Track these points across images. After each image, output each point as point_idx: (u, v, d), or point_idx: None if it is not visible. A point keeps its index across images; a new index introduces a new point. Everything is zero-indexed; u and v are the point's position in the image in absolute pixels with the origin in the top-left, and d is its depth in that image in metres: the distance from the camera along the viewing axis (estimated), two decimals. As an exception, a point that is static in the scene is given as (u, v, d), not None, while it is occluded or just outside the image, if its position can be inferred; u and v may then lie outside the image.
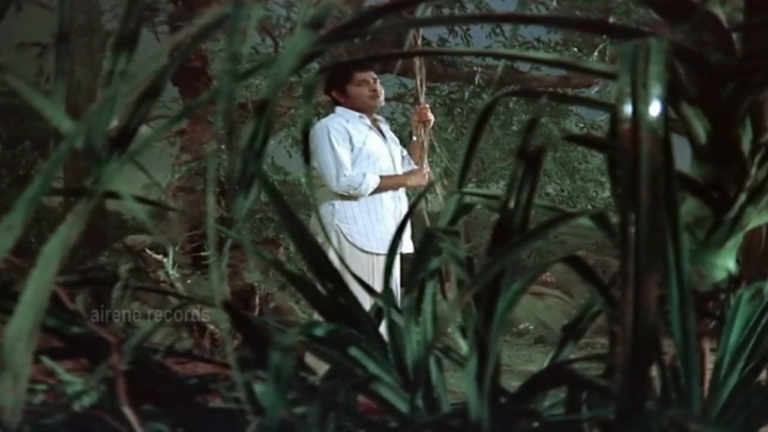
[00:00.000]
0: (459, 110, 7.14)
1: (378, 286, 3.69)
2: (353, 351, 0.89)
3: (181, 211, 5.53)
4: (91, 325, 0.70)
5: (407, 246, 4.30)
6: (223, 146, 6.01)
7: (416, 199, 1.18)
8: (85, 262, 7.37)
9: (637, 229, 0.59)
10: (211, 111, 6.01)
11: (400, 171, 4.30)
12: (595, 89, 6.58)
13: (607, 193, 7.59)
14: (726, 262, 0.80)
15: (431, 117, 4.39)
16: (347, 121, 4.16)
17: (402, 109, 7.44)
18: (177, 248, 5.40)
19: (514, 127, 7.29)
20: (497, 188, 8.20)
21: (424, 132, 4.35)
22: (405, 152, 4.45)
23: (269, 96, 0.74)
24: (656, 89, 0.61)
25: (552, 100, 0.92)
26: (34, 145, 10.26)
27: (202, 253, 5.43)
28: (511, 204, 0.74)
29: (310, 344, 0.84)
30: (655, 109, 0.61)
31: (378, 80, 4.31)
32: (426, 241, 0.83)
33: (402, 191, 4.36)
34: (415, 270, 0.87)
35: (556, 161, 7.16)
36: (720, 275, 0.79)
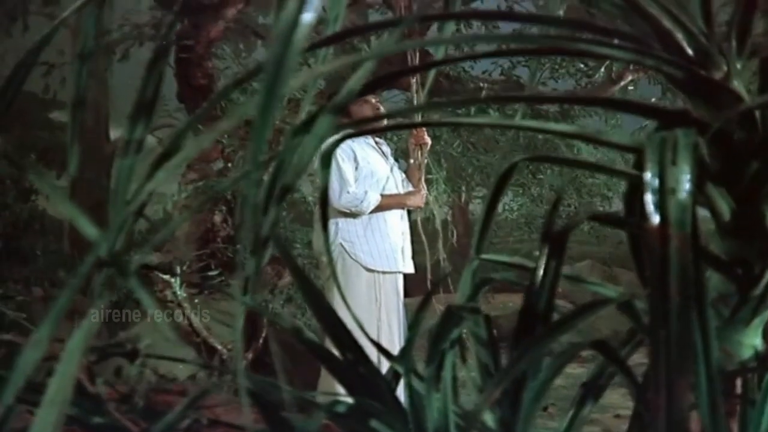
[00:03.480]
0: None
1: (382, 305, 3.69)
2: (374, 423, 0.88)
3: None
4: (114, 414, 0.69)
5: (408, 266, 4.32)
6: (229, 165, 6.04)
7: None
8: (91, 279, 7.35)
9: (668, 331, 0.59)
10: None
11: (401, 191, 4.33)
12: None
13: (613, 209, 7.59)
14: (753, 340, 0.79)
15: (428, 140, 4.42)
16: (352, 140, 4.19)
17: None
18: (184, 267, 5.40)
19: (521, 141, 7.28)
20: (504, 204, 8.19)
21: (421, 155, 4.38)
22: (403, 175, 4.48)
23: (289, 182, 0.73)
24: (683, 188, 0.61)
25: (571, 166, 0.91)
26: (39, 155, 10.28)
27: (210, 273, 5.44)
28: (537, 284, 0.73)
29: (332, 419, 0.84)
30: (682, 206, 0.61)
31: (380, 100, 4.34)
32: (447, 319, 0.83)
33: (405, 211, 4.38)
34: (436, 342, 0.87)
35: (563, 176, 7.15)
36: (747, 353, 0.79)
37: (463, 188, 9.32)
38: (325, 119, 0.72)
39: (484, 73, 7.10)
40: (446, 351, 0.91)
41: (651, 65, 0.76)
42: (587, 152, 7.25)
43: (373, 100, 4.30)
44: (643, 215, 0.65)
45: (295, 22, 0.57)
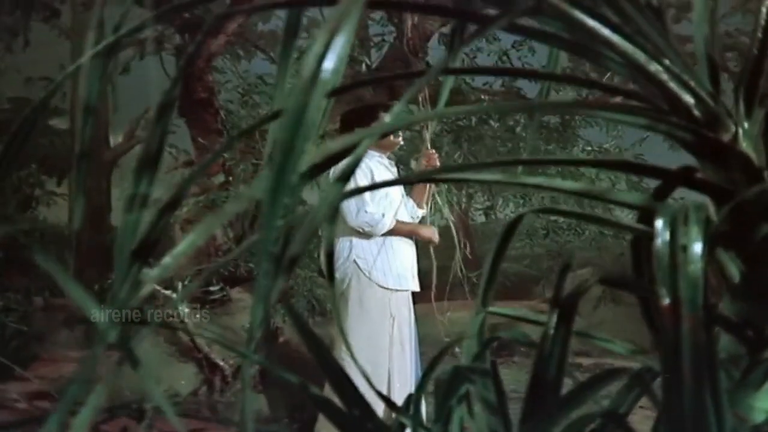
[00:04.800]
0: (467, 137, 7.15)
1: (395, 323, 3.70)
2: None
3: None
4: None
5: (416, 285, 4.35)
6: (230, 178, 6.04)
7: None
8: (93, 285, 7.37)
9: (681, 410, 0.58)
10: (218, 143, 6.02)
11: (408, 211, 4.38)
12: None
13: (614, 218, 7.57)
14: (765, 404, 0.79)
15: (438, 163, 4.45)
16: (368, 159, 4.24)
17: (410, 136, 7.45)
18: (185, 282, 5.40)
19: (523, 154, 7.28)
20: (506, 215, 8.18)
21: None
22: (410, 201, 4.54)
23: (297, 251, 0.73)
24: (695, 266, 0.61)
25: (579, 219, 0.91)
26: (39, 163, 10.27)
27: (211, 288, 5.43)
28: (546, 351, 0.73)
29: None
30: (694, 284, 0.60)
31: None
32: (455, 378, 0.82)
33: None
34: (444, 400, 0.86)
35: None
36: (760, 417, 0.78)
37: (464, 199, 9.33)
38: (335, 187, 0.71)
39: (485, 84, 7.11)
40: (454, 407, 0.91)
41: (662, 130, 0.75)
42: (595, 178, 7.25)
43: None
44: (653, 279, 0.64)
45: (305, 102, 0.57)
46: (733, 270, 0.79)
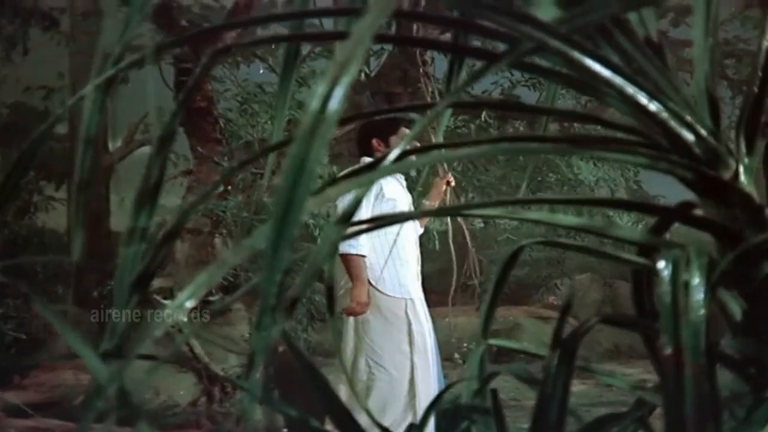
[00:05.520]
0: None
1: (412, 330, 3.68)
2: None
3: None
4: None
5: (420, 292, 4.37)
6: (229, 188, 6.04)
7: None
8: (92, 291, 7.36)
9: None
10: (217, 152, 6.03)
11: (414, 227, 4.39)
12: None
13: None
14: (767, 442, 0.78)
15: (453, 180, 4.52)
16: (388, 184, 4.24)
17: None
18: (185, 292, 5.38)
19: (520, 160, 7.29)
20: (506, 223, 8.19)
21: (446, 192, 4.54)
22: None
23: (301, 291, 0.73)
24: (698, 313, 0.60)
25: (579, 252, 0.91)
26: (38, 169, 10.24)
27: (211, 297, 5.42)
28: (548, 391, 0.73)
29: None
30: (696, 332, 0.60)
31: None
32: (454, 416, 0.82)
33: (418, 237, 4.43)
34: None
35: (563, 191, 7.16)
36: (762, 456, 0.78)
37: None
38: (335, 229, 0.71)
39: (483, 92, 7.12)
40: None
41: (663, 169, 0.75)
42: (587, 171, 7.27)
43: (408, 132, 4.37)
44: (654, 312, 0.64)
45: (306, 153, 0.56)
46: (735, 308, 0.79)
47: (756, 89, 0.80)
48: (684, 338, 0.60)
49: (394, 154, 0.74)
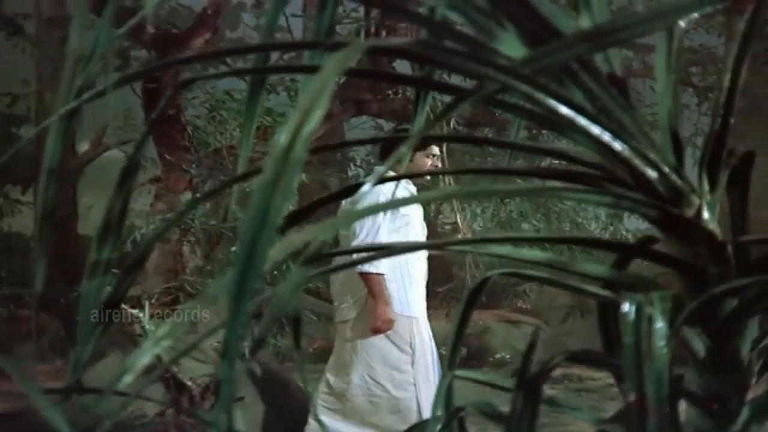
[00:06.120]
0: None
1: (416, 348, 3.64)
2: None
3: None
4: None
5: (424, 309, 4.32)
6: (198, 195, 6.00)
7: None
8: (60, 298, 7.28)
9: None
10: (185, 159, 5.99)
11: (424, 237, 4.36)
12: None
13: (583, 235, 7.64)
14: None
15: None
16: (394, 185, 4.16)
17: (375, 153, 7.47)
18: (153, 301, 5.35)
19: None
20: (473, 229, 8.21)
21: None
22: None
23: (265, 332, 0.72)
24: (661, 360, 0.61)
25: (545, 283, 0.91)
26: (1, 171, 10.07)
27: (179, 307, 5.38)
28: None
29: None
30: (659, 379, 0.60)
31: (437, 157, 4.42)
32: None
33: (425, 253, 4.36)
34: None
35: (532, 201, 7.19)
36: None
37: (431, 214, 9.36)
38: (297, 271, 0.71)
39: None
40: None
41: (627, 207, 0.76)
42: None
43: (438, 155, 4.38)
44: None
45: (268, 204, 0.56)
46: (699, 345, 0.79)
47: (718, 127, 0.81)
48: (647, 385, 0.60)
49: (365, 188, 0.74)
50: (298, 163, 0.56)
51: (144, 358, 0.64)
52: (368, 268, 4.06)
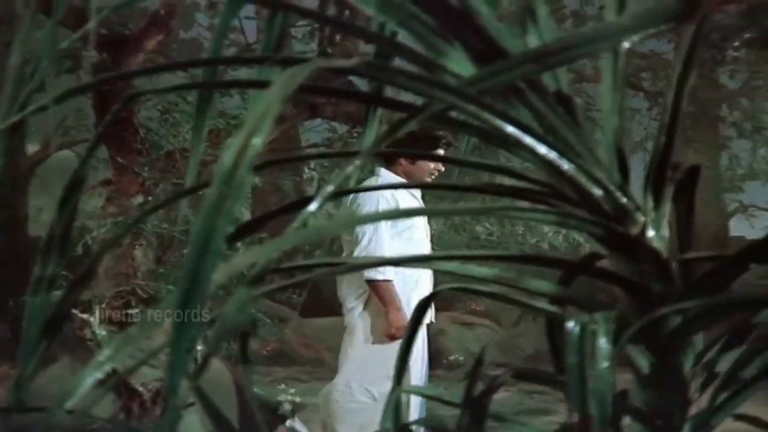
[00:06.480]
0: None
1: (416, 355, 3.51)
2: None
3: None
4: None
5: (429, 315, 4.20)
6: (150, 198, 5.93)
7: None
8: (8, 301, 7.16)
9: None
10: (137, 162, 5.92)
11: (428, 242, 4.29)
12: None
13: (536, 239, 7.71)
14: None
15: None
16: (395, 190, 4.06)
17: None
18: (104, 305, 5.29)
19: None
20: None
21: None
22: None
23: (212, 350, 0.71)
24: (605, 383, 0.61)
25: (493, 299, 0.91)
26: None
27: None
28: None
29: None
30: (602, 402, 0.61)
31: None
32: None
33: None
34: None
35: (485, 204, 7.23)
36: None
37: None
38: (243, 292, 0.70)
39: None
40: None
41: (573, 226, 0.76)
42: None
43: (441, 152, 4.26)
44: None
45: (212, 229, 0.55)
46: (643, 362, 0.80)
47: (662, 146, 0.82)
48: (590, 407, 0.61)
49: (311, 207, 0.73)
50: (242, 187, 0.56)
51: (87, 380, 0.64)
52: (374, 275, 3.97)
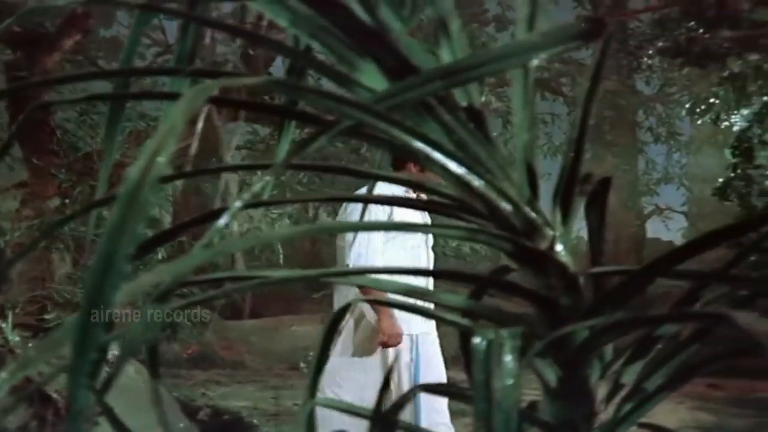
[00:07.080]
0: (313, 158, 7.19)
1: (397, 368, 3.44)
2: None
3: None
4: None
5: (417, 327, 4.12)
6: (66, 201, 5.81)
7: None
8: None
9: None
10: (54, 164, 5.80)
11: (427, 246, 4.23)
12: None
13: (456, 242, 7.72)
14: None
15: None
16: (392, 194, 3.94)
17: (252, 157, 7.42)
18: (17, 310, 5.15)
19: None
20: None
21: None
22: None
23: (118, 370, 0.70)
24: (509, 400, 0.62)
25: (413, 312, 0.92)
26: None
27: (46, 315, 5.21)
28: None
29: None
30: (507, 420, 0.62)
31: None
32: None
33: (429, 258, 4.23)
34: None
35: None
36: None
37: (311, 214, 9.37)
38: (150, 308, 0.69)
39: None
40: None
41: (483, 241, 0.77)
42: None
43: None
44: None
45: (114, 250, 0.54)
46: (550, 375, 0.81)
47: (570, 160, 0.83)
48: (495, 425, 0.61)
49: (222, 221, 0.73)
50: (145, 207, 0.55)
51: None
52: (359, 261, 3.93)
